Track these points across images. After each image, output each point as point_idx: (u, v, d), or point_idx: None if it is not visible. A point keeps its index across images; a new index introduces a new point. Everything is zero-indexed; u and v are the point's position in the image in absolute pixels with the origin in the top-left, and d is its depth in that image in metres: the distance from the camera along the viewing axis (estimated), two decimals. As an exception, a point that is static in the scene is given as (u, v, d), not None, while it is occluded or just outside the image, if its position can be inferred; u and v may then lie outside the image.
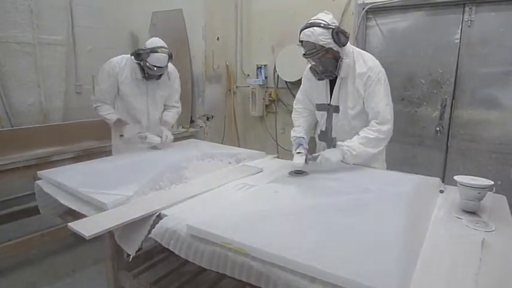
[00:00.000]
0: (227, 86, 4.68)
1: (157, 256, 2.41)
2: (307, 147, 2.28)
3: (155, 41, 2.67)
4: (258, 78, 4.46)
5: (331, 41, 2.02)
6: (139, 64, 2.69)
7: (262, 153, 2.80)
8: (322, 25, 2.00)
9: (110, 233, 1.74)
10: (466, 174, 1.71)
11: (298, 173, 2.16)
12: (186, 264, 2.32)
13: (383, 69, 2.18)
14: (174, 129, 4.06)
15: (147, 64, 2.63)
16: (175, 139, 3.66)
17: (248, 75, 4.64)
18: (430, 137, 3.54)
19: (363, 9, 3.61)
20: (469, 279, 1.13)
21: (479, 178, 1.67)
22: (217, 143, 3.60)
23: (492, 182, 1.64)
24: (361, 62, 2.16)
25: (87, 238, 1.46)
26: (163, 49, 2.64)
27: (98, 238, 1.56)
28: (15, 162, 2.86)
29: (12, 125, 3.68)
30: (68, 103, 4.23)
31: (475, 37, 3.22)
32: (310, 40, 2.02)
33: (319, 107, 2.39)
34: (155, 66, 2.63)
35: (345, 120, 2.27)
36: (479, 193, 1.62)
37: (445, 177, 3.34)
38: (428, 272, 1.18)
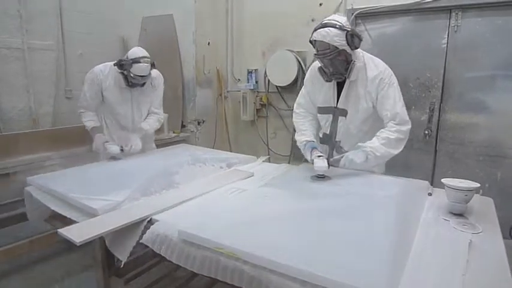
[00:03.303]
0: (218, 91, 4.69)
1: (148, 262, 2.40)
2: (321, 150, 2.25)
3: (137, 52, 2.72)
4: (248, 82, 4.48)
5: (345, 42, 2.01)
6: (122, 73, 2.75)
7: (253, 158, 2.81)
8: (337, 26, 1.99)
9: (101, 239, 1.73)
10: (455, 177, 1.74)
11: (321, 177, 2.11)
12: (178, 270, 2.32)
13: (393, 73, 2.18)
14: (165, 134, 4.07)
15: (131, 74, 2.69)
16: (167, 144, 3.68)
17: (239, 79, 4.66)
18: (419, 140, 3.58)
19: (352, 14, 3.65)
20: (457, 280, 1.16)
21: (466, 181, 1.70)
22: (209, 148, 3.60)
23: (478, 185, 1.68)
24: (372, 66, 2.15)
25: (77, 244, 1.45)
26: (145, 59, 2.69)
27: (88, 244, 1.56)
28: (4, 168, 2.83)
29: (1, 130, 3.64)
30: (57, 108, 4.21)
31: (461, 42, 3.28)
32: (325, 40, 2.00)
33: (324, 110, 2.35)
34: (138, 75, 2.70)
35: (352, 124, 2.25)
36: (466, 195, 1.65)
37: (434, 180, 3.38)
38: (417, 274, 1.20)
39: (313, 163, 2.13)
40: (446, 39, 3.34)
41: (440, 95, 3.42)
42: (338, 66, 2.11)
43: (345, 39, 2.00)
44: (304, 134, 2.39)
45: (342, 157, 2.15)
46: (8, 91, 3.75)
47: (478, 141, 3.32)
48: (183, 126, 4.45)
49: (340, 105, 2.25)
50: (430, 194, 1.98)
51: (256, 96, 4.48)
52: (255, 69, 4.46)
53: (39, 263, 3.11)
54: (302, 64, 4.01)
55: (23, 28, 3.80)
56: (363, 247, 1.29)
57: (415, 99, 3.55)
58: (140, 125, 3.00)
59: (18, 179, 2.85)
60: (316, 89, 2.36)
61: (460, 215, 1.67)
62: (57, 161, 3.14)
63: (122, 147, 2.72)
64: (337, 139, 2.33)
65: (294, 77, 4.01)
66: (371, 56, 2.22)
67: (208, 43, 4.43)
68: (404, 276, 1.18)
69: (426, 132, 3.51)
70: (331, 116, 2.32)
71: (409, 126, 2.14)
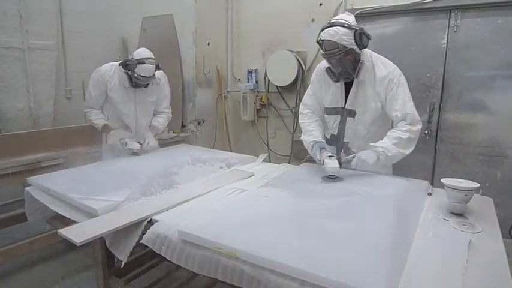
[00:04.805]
0: (218, 91, 4.69)
1: (148, 262, 2.40)
2: (331, 150, 2.22)
3: (142, 53, 2.75)
4: (249, 82, 4.48)
5: (353, 42, 1.99)
6: (127, 73, 2.78)
7: (253, 158, 2.81)
8: (346, 25, 1.97)
9: (101, 239, 1.73)
10: (455, 177, 1.75)
11: (332, 177, 2.09)
12: (178, 270, 2.31)
13: (402, 73, 2.16)
14: (165, 134, 4.06)
15: (135, 74, 2.72)
16: (167, 144, 3.69)
17: (239, 79, 4.66)
18: (419, 140, 3.52)
19: (352, 14, 3.65)
20: (456, 280, 1.16)
21: (465, 181, 1.70)
22: (209, 148, 3.59)
23: (478, 184, 1.68)
24: (381, 66, 2.13)
25: (78, 244, 1.45)
26: (150, 60, 2.73)
27: (88, 244, 1.56)
28: (4, 169, 2.83)
29: (1, 130, 3.64)
30: (57, 108, 4.20)
31: (461, 42, 3.28)
32: (333, 39, 1.98)
33: (331, 111, 2.32)
34: (142, 76, 2.73)
35: (361, 125, 2.23)
36: (465, 195, 1.65)
37: (434, 180, 3.38)
38: (417, 273, 1.20)
39: (323, 164, 2.10)
40: (446, 39, 3.34)
41: (440, 95, 3.43)
42: (346, 66, 2.08)
43: (353, 38, 1.98)
44: (312, 134, 2.34)
45: (353, 157, 2.11)
46: (7, 91, 3.75)
47: (478, 141, 3.32)
48: (183, 126, 4.44)
49: (348, 106, 2.23)
50: (430, 194, 1.99)
51: (256, 96, 4.48)
52: (255, 69, 4.47)
53: (40, 263, 3.11)
54: (302, 64, 4.01)
55: (23, 28, 3.80)
56: (363, 247, 1.29)
57: (415, 99, 3.45)
58: (151, 123, 3.11)
59: (18, 179, 2.85)
60: (323, 90, 2.33)
61: (459, 214, 1.67)
62: (57, 161, 3.14)
63: (140, 143, 2.84)
64: (345, 140, 2.30)
65: (294, 77, 4.02)
66: (379, 55, 2.20)
67: (208, 43, 4.43)
68: (403, 275, 1.18)
69: (426, 132, 3.51)
70: (339, 116, 2.29)
71: (420, 126, 2.12)
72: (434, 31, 3.39)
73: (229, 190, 2.04)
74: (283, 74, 4.06)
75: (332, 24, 2.00)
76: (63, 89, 4.26)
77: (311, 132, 2.35)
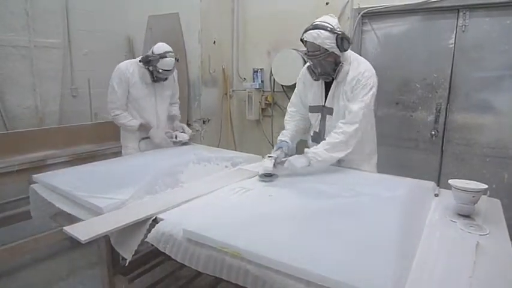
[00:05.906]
0: (223, 90, 4.69)
1: (153, 260, 2.41)
2: (286, 151, 2.32)
3: (163, 47, 2.82)
4: (254, 82, 4.47)
5: (335, 45, 2.06)
6: (148, 69, 2.85)
7: (258, 157, 2.80)
8: (328, 29, 2.04)
9: (106, 237, 1.73)
10: (461, 178, 1.73)
11: (268, 175, 2.17)
12: (182, 269, 2.32)
13: (375, 77, 2.21)
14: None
15: (157, 69, 2.81)
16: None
17: (244, 79, 4.65)
18: (425, 141, 3.56)
19: (359, 13, 3.64)
20: (463, 282, 1.14)
21: (473, 182, 1.69)
22: (214, 147, 3.59)
23: (486, 186, 1.66)
24: (355, 66, 2.20)
25: (82, 242, 1.45)
26: (170, 53, 2.82)
27: (93, 242, 1.56)
28: (10, 166, 2.84)
29: (7, 128, 3.67)
30: (63, 106, 4.22)
31: (469, 42, 3.25)
32: (315, 42, 2.06)
33: (313, 109, 2.42)
34: (165, 70, 2.82)
35: (337, 123, 2.28)
36: (473, 197, 1.63)
37: (440, 181, 3.36)
38: (423, 275, 1.18)
39: None
40: (453, 39, 3.31)
41: (447, 96, 3.40)
42: (326, 67, 2.18)
43: (335, 41, 2.05)
44: (283, 133, 2.49)
45: (285, 160, 2.18)
46: (14, 89, 3.77)
47: (485, 142, 3.29)
48: (188, 125, 4.44)
49: (327, 104, 2.32)
50: (436, 195, 1.97)
51: (262, 95, 4.48)
52: (261, 69, 4.46)
53: (44, 261, 3.13)
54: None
55: (29, 27, 3.82)
56: (369, 248, 1.28)
57: (422, 99, 3.53)
58: (171, 113, 3.27)
59: (23, 177, 2.87)
60: (306, 89, 2.44)
61: (467, 216, 1.65)
62: (62, 159, 3.16)
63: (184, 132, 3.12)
64: (325, 137, 2.36)
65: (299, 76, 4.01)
66: (357, 57, 2.28)
67: (214, 42, 4.43)
68: (410, 277, 1.17)
69: (433, 132, 3.48)
70: (320, 114, 2.39)
71: (356, 126, 2.15)
72: (442, 31, 3.36)
73: (234, 189, 2.03)
74: (288, 73, 4.05)
75: (315, 27, 2.07)
76: (69, 87, 4.29)
77: (284, 131, 2.52)
